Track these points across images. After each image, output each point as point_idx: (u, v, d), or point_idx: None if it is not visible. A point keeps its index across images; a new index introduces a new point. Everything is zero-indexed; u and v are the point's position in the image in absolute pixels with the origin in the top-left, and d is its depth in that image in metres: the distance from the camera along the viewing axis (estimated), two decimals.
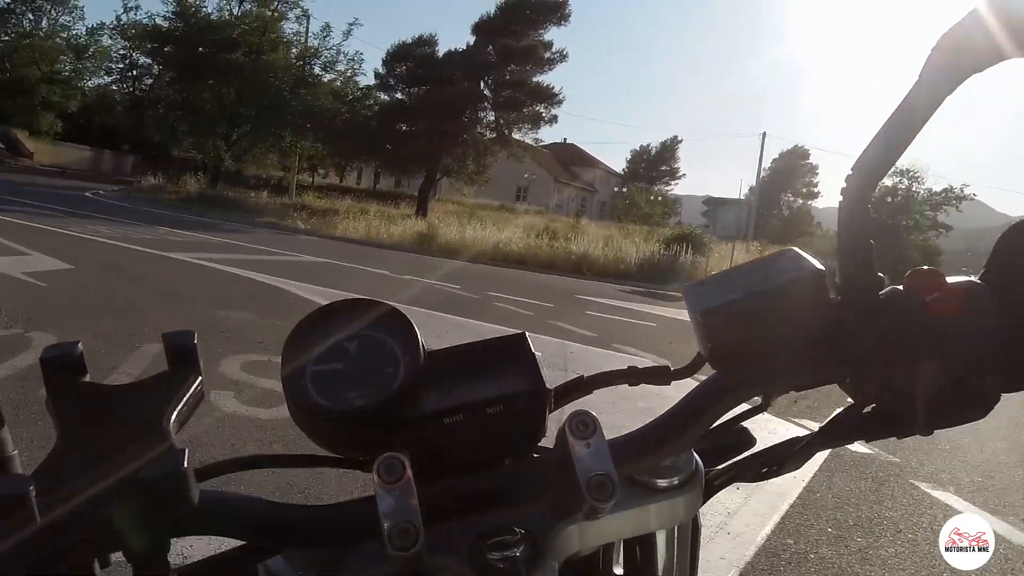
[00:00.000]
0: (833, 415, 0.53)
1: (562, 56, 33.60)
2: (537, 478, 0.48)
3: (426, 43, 36.48)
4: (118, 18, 39.77)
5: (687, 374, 0.56)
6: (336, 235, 19.84)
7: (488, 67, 33.46)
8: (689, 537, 0.62)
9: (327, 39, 36.09)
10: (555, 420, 0.50)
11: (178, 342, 0.49)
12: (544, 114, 33.78)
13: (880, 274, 0.49)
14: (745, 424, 0.59)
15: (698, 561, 0.64)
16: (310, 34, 36.07)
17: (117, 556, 0.43)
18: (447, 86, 31.77)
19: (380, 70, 36.73)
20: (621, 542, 0.60)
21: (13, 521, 0.38)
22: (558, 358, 6.43)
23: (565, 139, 70.32)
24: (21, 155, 43.27)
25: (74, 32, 53.64)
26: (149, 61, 37.00)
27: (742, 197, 68.05)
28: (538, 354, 0.54)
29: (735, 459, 0.58)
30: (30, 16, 50.60)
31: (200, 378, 0.48)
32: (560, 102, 33.42)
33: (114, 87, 59.82)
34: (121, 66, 59.78)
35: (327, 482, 3.24)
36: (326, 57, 35.91)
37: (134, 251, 10.88)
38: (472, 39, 33.83)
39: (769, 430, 4.14)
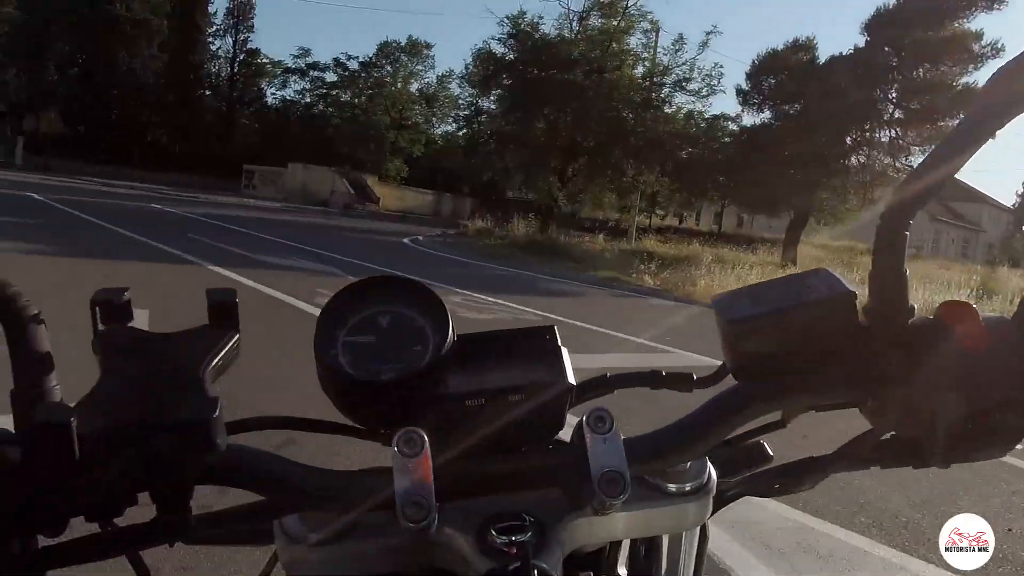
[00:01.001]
0: (851, 439, 0.53)
1: (994, 50, 23.55)
2: (551, 468, 0.49)
3: (803, 48, 28.76)
4: (466, 66, 39.16)
5: (709, 383, 0.55)
6: (695, 296, 13.41)
7: (886, 71, 24.62)
8: (696, 545, 0.62)
9: (679, 53, 29.94)
10: (576, 415, 0.51)
11: (219, 299, 0.50)
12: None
13: (912, 303, 0.49)
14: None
15: (703, 570, 0.63)
16: (659, 48, 30.08)
17: (143, 497, 0.44)
18: (831, 99, 23.64)
19: (742, 85, 29.69)
20: (627, 542, 0.59)
21: (54, 448, 0.39)
22: None
23: None
24: (369, 200, 43.64)
25: (425, 80, 55.04)
26: (491, 105, 33.64)
27: None
28: (565, 349, 0.54)
29: (749, 472, 0.57)
30: (388, 68, 52.60)
31: (238, 335, 0.50)
32: None
33: (459, 133, 61.08)
34: (467, 112, 60.75)
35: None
36: (677, 74, 29.79)
37: None
38: (862, 39, 25.33)
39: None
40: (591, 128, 28.23)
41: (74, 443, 0.39)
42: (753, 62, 29.64)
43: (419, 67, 53.87)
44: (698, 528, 0.60)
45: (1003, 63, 0.45)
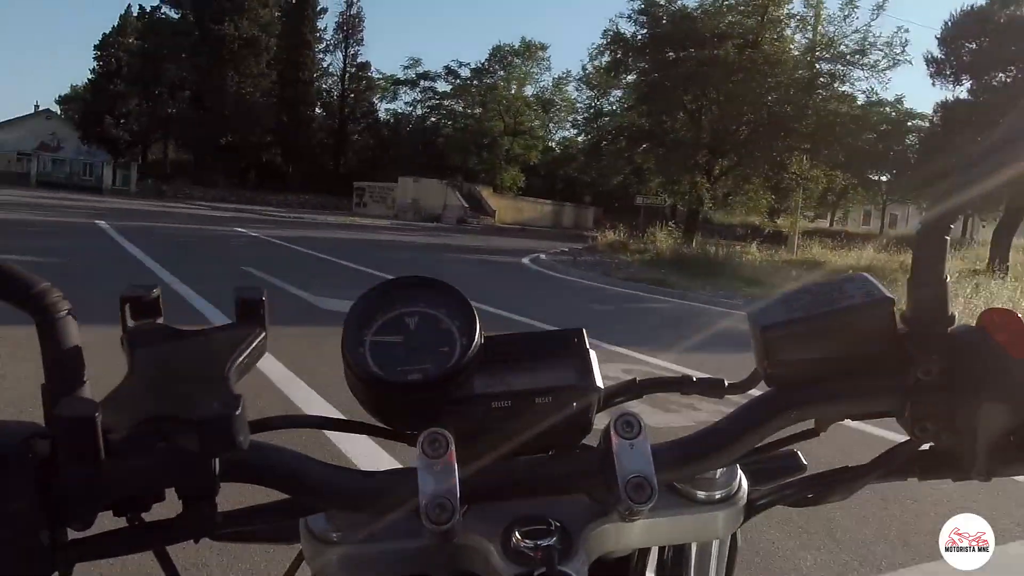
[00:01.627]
0: (888, 448, 0.52)
1: None
2: (578, 473, 0.48)
3: (1012, 2, 22.88)
4: (583, 67, 35.45)
5: (742, 390, 0.54)
6: None
7: None
8: (726, 554, 0.61)
9: (848, 20, 24.57)
10: (604, 420, 0.50)
11: (247, 296, 0.51)
12: None
13: (953, 311, 0.47)
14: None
15: None
16: (823, 18, 24.77)
17: (170, 492, 0.44)
18: None
19: (933, 53, 24.05)
20: (655, 549, 0.59)
21: (79, 442, 0.39)
22: None
23: None
24: (484, 213, 40.24)
25: (541, 85, 51.34)
26: (612, 106, 29.24)
27: None
28: (593, 352, 0.54)
29: (781, 482, 0.56)
30: (501, 72, 49.32)
31: (264, 333, 0.50)
32: None
33: (579, 137, 57.14)
34: (586, 115, 56.66)
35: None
36: (848, 45, 24.41)
37: None
38: None
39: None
40: (744, 115, 23.44)
41: (99, 437, 0.39)
42: (946, 23, 23.97)
43: (534, 70, 50.29)
44: (728, 537, 0.59)
45: None
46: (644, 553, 0.55)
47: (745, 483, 0.53)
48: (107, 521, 0.44)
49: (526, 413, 0.50)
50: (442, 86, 52.60)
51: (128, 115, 46.55)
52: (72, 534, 0.43)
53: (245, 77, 47.68)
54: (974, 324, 0.47)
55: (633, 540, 0.51)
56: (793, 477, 0.56)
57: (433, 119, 53.77)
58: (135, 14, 49.86)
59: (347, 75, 55.19)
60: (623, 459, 0.45)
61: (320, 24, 54.05)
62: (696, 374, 0.57)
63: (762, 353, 0.49)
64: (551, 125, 50.56)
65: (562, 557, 0.46)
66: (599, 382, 0.51)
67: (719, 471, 0.51)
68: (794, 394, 0.48)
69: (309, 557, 0.50)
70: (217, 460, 0.43)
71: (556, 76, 52.75)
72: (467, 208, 38.72)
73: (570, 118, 49.29)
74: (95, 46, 48.96)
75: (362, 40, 55.98)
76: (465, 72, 51.66)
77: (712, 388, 0.55)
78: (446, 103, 53.09)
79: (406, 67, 53.89)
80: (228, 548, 2.26)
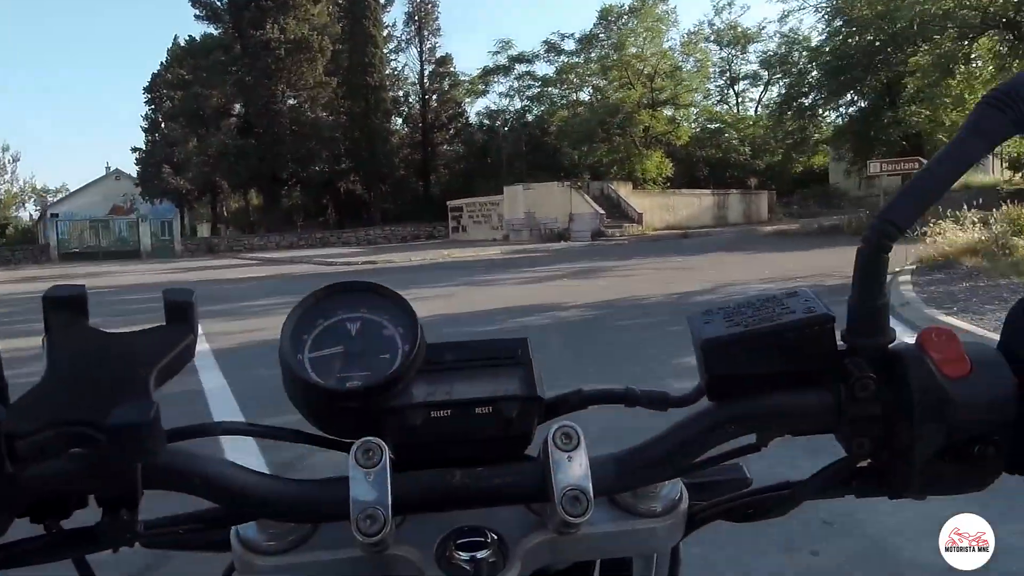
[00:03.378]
0: (825, 465, 0.52)
1: None
2: (515, 484, 0.48)
3: None
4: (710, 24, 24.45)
5: (686, 403, 0.54)
6: None
7: None
8: (667, 568, 0.61)
9: None
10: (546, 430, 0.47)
11: (176, 299, 0.49)
12: None
13: (892, 327, 0.48)
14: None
15: None
16: None
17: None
18: None
19: None
20: (598, 563, 0.58)
21: None
22: None
23: None
24: (627, 219, 29.05)
25: (668, 45, 39.74)
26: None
27: None
28: (535, 362, 0.53)
29: (723, 497, 0.56)
30: (613, 40, 38.22)
31: (193, 335, 0.48)
32: None
33: (717, 107, 45.14)
34: (725, 77, 44.72)
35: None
36: None
37: None
38: None
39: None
40: None
41: (1, 444, 0.39)
42: None
43: (658, 25, 38.82)
44: (669, 550, 0.58)
45: (993, 87, 0.43)
46: (585, 567, 0.54)
47: (686, 496, 0.53)
48: (26, 528, 0.43)
49: (465, 423, 0.49)
50: (542, 68, 42.12)
51: (188, 160, 38.39)
52: None
53: (300, 90, 38.59)
54: (912, 342, 0.48)
55: (572, 553, 0.50)
56: (736, 491, 0.56)
57: (537, 111, 43.29)
58: (182, 43, 42.06)
59: (425, 74, 45.51)
60: (560, 471, 0.45)
61: (386, 18, 44.79)
62: (641, 387, 0.55)
63: (703, 367, 0.49)
64: (681, 95, 38.85)
65: (497, 569, 0.46)
66: (541, 393, 0.51)
67: (660, 484, 0.51)
68: (734, 409, 0.48)
69: (239, 567, 0.49)
70: (139, 467, 0.42)
71: (687, 30, 40.63)
72: (602, 214, 27.73)
73: (701, 86, 37.63)
74: (144, 88, 41.38)
75: (439, 30, 46.05)
76: (569, 45, 40.95)
77: (656, 402, 0.54)
78: (550, 90, 42.51)
79: (495, 52, 43.79)
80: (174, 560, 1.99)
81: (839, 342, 0.48)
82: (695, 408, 0.51)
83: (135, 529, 0.44)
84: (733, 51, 43.42)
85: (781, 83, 25.81)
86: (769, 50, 40.01)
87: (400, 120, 46.48)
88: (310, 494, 0.46)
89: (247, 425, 0.53)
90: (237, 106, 38.91)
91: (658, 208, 30.34)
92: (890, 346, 0.48)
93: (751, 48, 43.12)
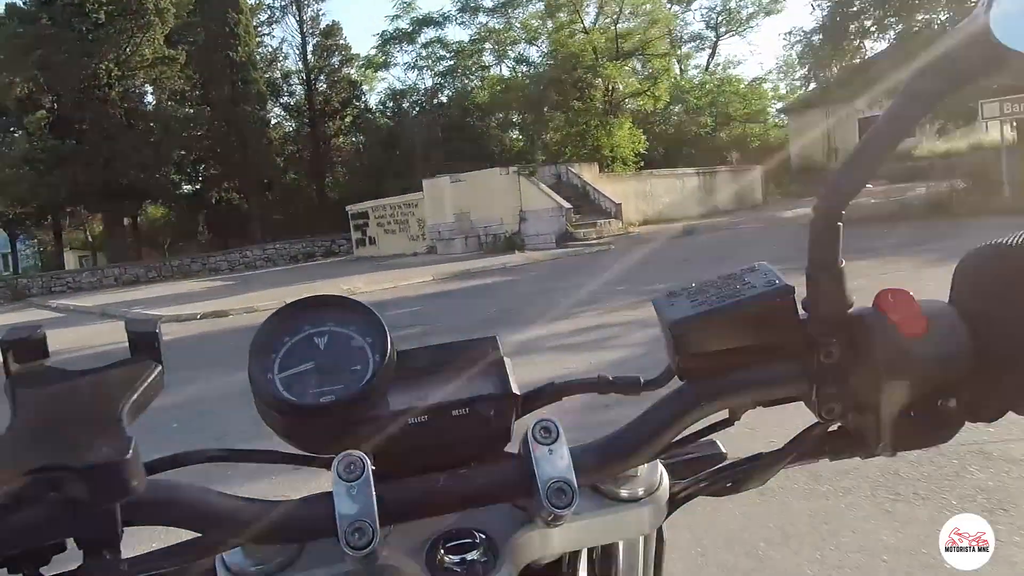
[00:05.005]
0: (798, 432, 0.54)
1: None
2: (499, 483, 0.48)
3: None
4: None
5: (657, 386, 0.55)
6: None
7: None
8: (654, 550, 0.62)
9: None
10: (525, 426, 0.49)
11: (139, 330, 0.48)
12: None
13: (850, 293, 0.49)
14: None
15: (662, 574, 0.63)
16: None
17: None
18: None
19: None
20: (585, 551, 0.58)
21: None
22: None
23: None
24: (600, 213, 21.24)
25: None
26: None
27: None
28: (508, 359, 0.54)
29: (701, 473, 0.57)
30: None
31: (160, 367, 0.48)
32: None
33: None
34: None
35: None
36: None
37: None
38: None
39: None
40: None
41: None
42: None
43: None
44: (654, 533, 0.60)
45: (930, 49, 0.44)
46: (575, 556, 0.55)
47: (667, 478, 0.54)
48: None
49: (444, 427, 0.50)
50: (455, 33, 33.76)
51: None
52: None
53: (134, 69, 28.82)
54: (870, 305, 0.49)
55: (560, 544, 0.51)
56: (713, 467, 0.57)
57: (452, 90, 35.04)
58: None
59: (309, 49, 36.47)
60: (542, 465, 0.46)
61: None
62: (612, 374, 0.57)
63: (672, 349, 0.50)
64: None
65: (489, 569, 0.46)
66: (515, 389, 0.52)
67: (640, 468, 0.52)
68: (705, 387, 0.49)
69: None
70: (118, 505, 0.42)
71: None
72: (569, 209, 19.65)
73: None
74: None
75: None
76: (488, 2, 32.85)
77: (629, 387, 0.55)
78: (467, 63, 34.33)
79: (393, 16, 35.37)
80: None
81: (801, 311, 0.49)
82: (667, 390, 0.51)
83: (119, 568, 0.43)
84: (677, 8, 36.34)
85: (820, 8, 18.91)
86: (716, 4, 33.01)
87: (281, 109, 37.34)
88: (295, 513, 0.46)
89: (226, 451, 0.53)
90: (49, 97, 28.70)
91: (633, 196, 22.55)
92: (849, 311, 0.48)
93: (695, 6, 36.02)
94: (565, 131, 27.18)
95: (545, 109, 27.04)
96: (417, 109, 34.96)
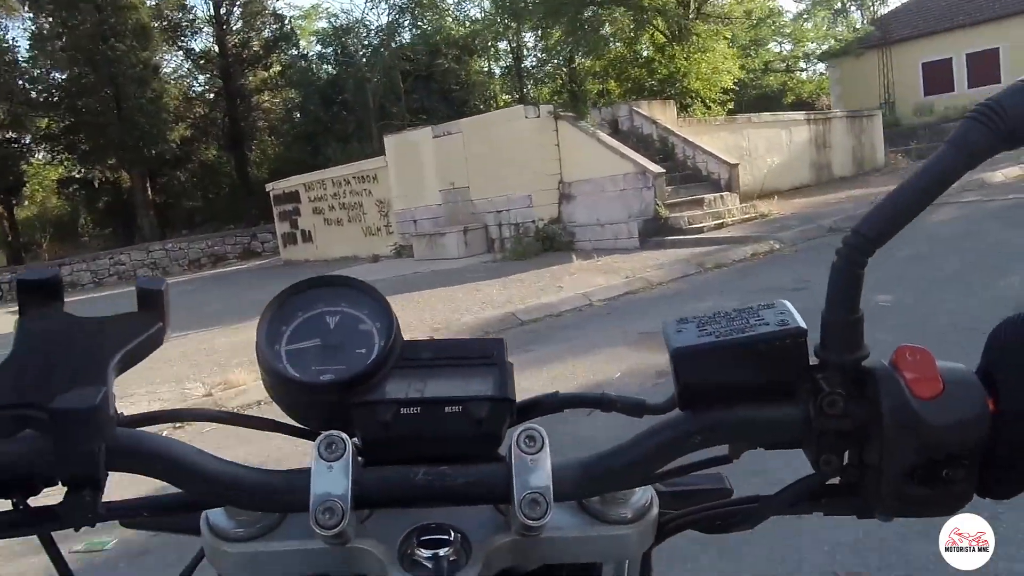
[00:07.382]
0: (794, 481, 0.52)
1: None
2: (478, 485, 0.48)
3: None
4: None
5: (660, 411, 0.53)
6: None
7: None
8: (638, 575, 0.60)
9: None
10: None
11: (147, 287, 0.50)
12: None
13: (866, 343, 0.47)
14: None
15: None
16: None
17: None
18: None
19: None
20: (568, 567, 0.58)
21: None
22: None
23: None
24: (706, 181, 12.19)
25: None
26: None
27: None
28: (511, 364, 0.54)
29: (694, 507, 0.56)
30: None
31: (161, 324, 0.50)
32: None
33: None
34: None
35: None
36: None
37: None
38: None
39: None
40: None
41: None
42: None
43: None
44: (639, 557, 0.59)
45: (979, 102, 0.42)
46: (555, 569, 0.54)
47: (657, 503, 0.53)
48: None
49: (435, 421, 0.50)
50: None
51: None
52: None
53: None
54: (886, 362, 0.47)
55: (537, 555, 0.51)
56: (713, 500, 0.57)
57: (416, 29, 25.98)
58: None
59: None
60: (522, 474, 0.46)
61: None
62: (616, 394, 0.56)
63: (675, 376, 0.49)
64: None
65: (457, 568, 0.47)
66: (512, 395, 0.51)
67: (631, 491, 0.52)
68: (702, 419, 0.48)
69: (208, 552, 0.51)
70: (101, 449, 0.43)
71: None
72: (660, 175, 10.89)
73: None
74: None
75: None
76: None
77: (632, 408, 0.55)
78: None
79: None
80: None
81: (812, 357, 0.48)
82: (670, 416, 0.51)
83: (96, 509, 0.44)
84: None
85: None
86: None
87: (182, 58, 27.70)
88: (272, 483, 0.46)
89: (215, 412, 0.55)
90: None
91: (724, 154, 13.82)
92: (863, 363, 0.47)
93: None
94: (615, 52, 17.73)
95: (587, 11, 17.36)
96: (369, 51, 25.62)
